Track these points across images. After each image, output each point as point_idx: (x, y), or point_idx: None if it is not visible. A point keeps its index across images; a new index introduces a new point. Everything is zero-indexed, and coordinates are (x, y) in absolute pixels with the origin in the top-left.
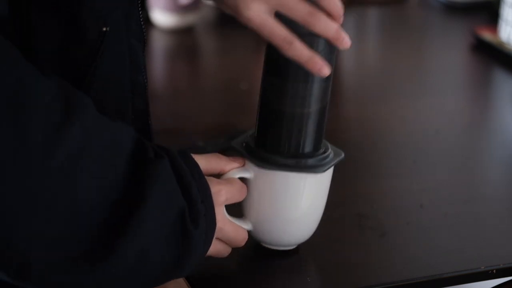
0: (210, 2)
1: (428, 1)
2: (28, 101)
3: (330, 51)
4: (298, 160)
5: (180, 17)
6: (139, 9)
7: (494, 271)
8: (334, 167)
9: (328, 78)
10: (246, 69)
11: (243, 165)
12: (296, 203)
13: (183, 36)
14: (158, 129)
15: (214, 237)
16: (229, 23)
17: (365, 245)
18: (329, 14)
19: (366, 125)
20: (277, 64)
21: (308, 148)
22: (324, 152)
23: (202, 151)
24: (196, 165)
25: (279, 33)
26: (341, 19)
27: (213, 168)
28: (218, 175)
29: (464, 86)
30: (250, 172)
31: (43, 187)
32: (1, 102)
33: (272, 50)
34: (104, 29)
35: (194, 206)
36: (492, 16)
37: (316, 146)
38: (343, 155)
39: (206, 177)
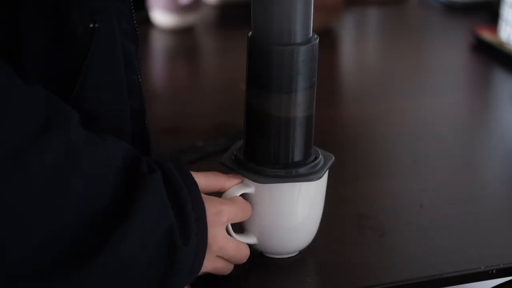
0: None
1: (428, 1)
2: (4, 108)
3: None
4: (289, 170)
5: (180, 17)
6: (132, 8)
7: (494, 271)
8: (330, 169)
9: (312, 85)
10: (244, 69)
11: (243, 181)
12: (298, 211)
13: (183, 36)
14: (158, 129)
15: (214, 256)
16: (229, 23)
17: (365, 245)
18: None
19: (366, 125)
20: (260, 76)
21: (298, 156)
22: (315, 159)
23: (202, 151)
24: (193, 183)
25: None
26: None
27: (213, 185)
28: (219, 193)
29: (464, 86)
30: (251, 187)
31: (22, 196)
32: None
33: (253, 62)
34: (92, 25)
35: (186, 223)
36: (492, 16)
37: (306, 153)
38: (333, 158)
39: (208, 196)
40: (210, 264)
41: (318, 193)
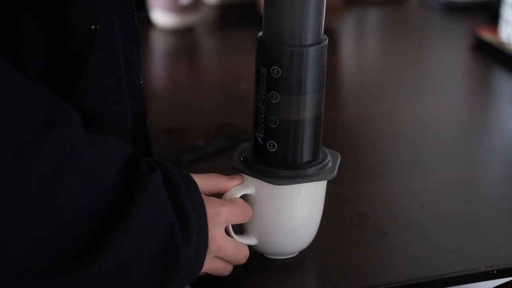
0: None
1: (428, 1)
2: (4, 107)
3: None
4: (299, 171)
5: (180, 17)
6: (134, 10)
7: (495, 271)
8: None
9: (321, 87)
10: (246, 69)
11: (243, 182)
12: (299, 212)
13: (183, 36)
14: (158, 129)
15: (213, 256)
16: (229, 23)
17: (365, 245)
18: None
19: (366, 125)
20: (269, 77)
21: (307, 157)
22: (323, 159)
23: (202, 151)
24: (193, 184)
25: None
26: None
27: (213, 186)
28: (220, 195)
29: (464, 86)
30: (251, 188)
31: (22, 196)
32: None
33: (262, 66)
34: (93, 27)
35: (187, 223)
36: (492, 16)
37: (315, 154)
38: (340, 156)
39: (208, 197)
40: (209, 264)
41: (318, 193)
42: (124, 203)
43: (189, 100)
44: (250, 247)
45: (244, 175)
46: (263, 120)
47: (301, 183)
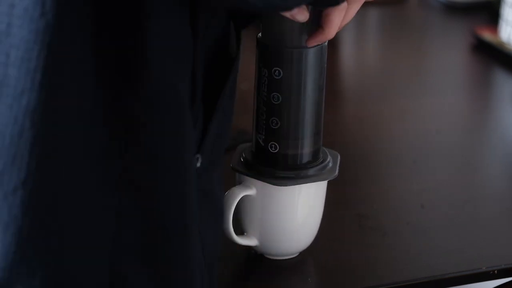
0: None
1: (428, 1)
2: None
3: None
4: (300, 172)
5: None
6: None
7: (496, 271)
8: None
9: (321, 87)
10: (246, 69)
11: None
12: (299, 213)
13: None
14: None
15: None
16: None
17: (366, 245)
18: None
19: (366, 125)
20: (270, 80)
21: (307, 158)
22: (324, 160)
23: None
24: None
25: None
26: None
27: None
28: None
29: (464, 86)
30: (252, 189)
31: None
32: None
33: (263, 67)
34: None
35: None
36: (492, 16)
37: (315, 154)
38: (339, 156)
39: None
40: None
41: (319, 194)
42: None
43: None
44: (251, 248)
45: (245, 177)
46: (264, 122)
47: (302, 183)
